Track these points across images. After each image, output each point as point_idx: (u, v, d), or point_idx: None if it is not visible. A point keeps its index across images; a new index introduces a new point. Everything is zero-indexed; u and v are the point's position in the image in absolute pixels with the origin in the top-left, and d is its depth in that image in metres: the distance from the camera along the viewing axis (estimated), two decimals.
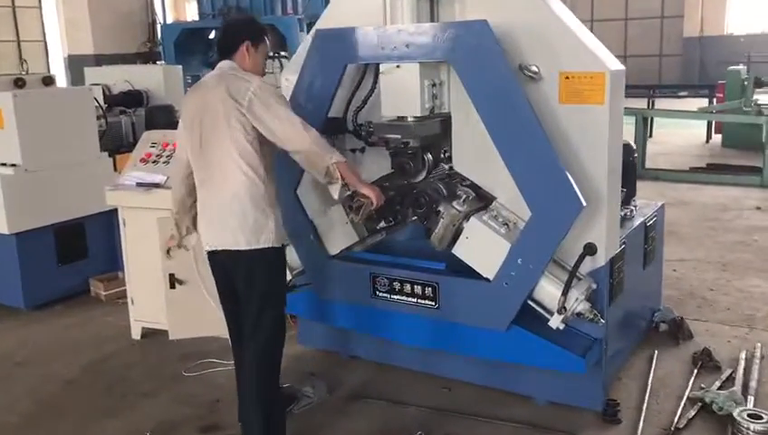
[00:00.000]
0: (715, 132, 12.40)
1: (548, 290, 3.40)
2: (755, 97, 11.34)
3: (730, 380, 3.93)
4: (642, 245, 4.26)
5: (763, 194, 8.53)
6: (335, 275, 3.98)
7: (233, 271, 3.21)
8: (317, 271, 4.05)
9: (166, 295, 4.40)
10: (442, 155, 3.84)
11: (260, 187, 3.10)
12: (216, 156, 3.11)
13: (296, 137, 3.06)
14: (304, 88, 3.80)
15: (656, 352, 4.32)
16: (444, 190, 3.68)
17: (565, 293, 3.30)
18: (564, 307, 3.31)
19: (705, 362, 4.11)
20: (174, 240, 3.61)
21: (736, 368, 4.03)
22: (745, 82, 11.69)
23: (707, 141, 12.51)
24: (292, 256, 4.12)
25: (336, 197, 3.22)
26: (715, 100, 13.76)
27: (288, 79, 4.09)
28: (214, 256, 3.26)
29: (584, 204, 3.21)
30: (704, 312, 5.00)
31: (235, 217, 3.09)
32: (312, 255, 4.03)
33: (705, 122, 12.55)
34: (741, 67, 12.96)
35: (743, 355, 4.18)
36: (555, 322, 3.37)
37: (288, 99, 3.89)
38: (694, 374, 4.00)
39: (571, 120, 3.34)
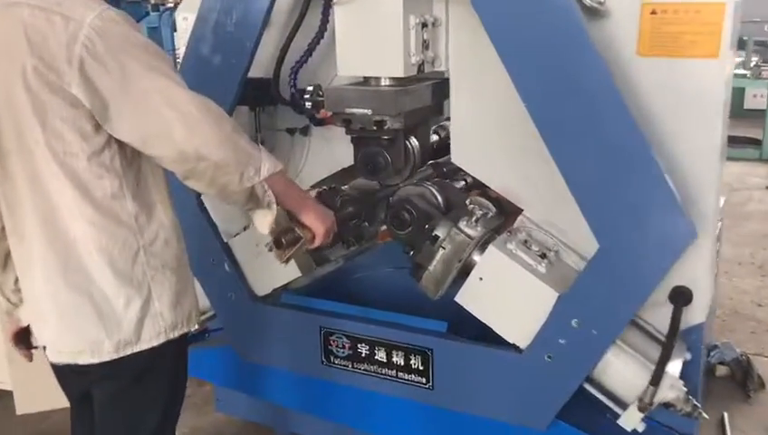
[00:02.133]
0: None
1: (620, 369, 2.05)
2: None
3: None
4: None
5: None
6: (266, 327, 2.56)
7: (91, 391, 1.79)
8: (236, 320, 2.62)
9: (8, 354, 2.90)
10: (435, 140, 2.45)
11: (127, 237, 1.65)
12: (27, 190, 1.62)
13: (186, 132, 1.56)
14: (208, 31, 2.32)
15: (725, 414, 3.06)
16: (440, 200, 2.28)
17: (657, 379, 1.95)
18: (651, 401, 1.98)
19: None
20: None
21: None
22: None
23: None
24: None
25: (266, 231, 1.78)
26: None
27: (186, 18, 2.63)
28: (59, 370, 1.81)
29: (696, 234, 1.87)
30: (763, 339, 3.77)
31: (80, 302, 1.64)
32: (227, 295, 2.59)
33: None
34: None
35: None
36: (631, 420, 2.03)
37: (183, 52, 2.44)
38: None
39: (657, 87, 1.95)
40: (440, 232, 2.12)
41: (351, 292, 2.64)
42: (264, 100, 2.53)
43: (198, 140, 1.55)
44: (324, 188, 2.40)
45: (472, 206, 2.11)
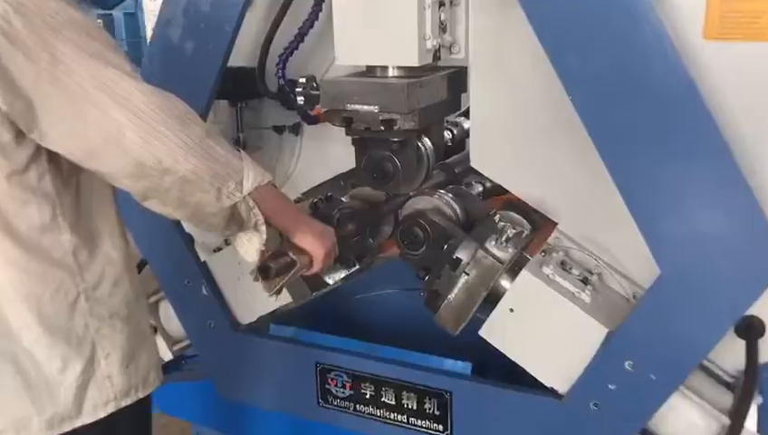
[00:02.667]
0: None
1: (683, 421, 1.70)
2: None
3: None
4: None
5: None
6: (251, 360, 2.18)
7: None
8: (217, 352, 2.23)
9: None
10: (448, 139, 2.09)
11: (63, 280, 1.28)
12: None
13: (141, 137, 1.19)
14: (179, 11, 1.93)
15: None
16: (459, 213, 1.91)
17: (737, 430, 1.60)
18: None
19: None
20: None
21: None
22: None
23: None
24: (170, 322, 2.32)
25: (255, 258, 1.41)
26: None
27: None
28: None
29: None
30: None
31: (0, 369, 1.28)
32: (205, 323, 2.21)
33: None
34: None
35: None
36: None
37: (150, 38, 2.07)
38: None
39: (729, 78, 1.58)
40: (463, 254, 1.74)
41: (349, 316, 2.27)
42: (247, 93, 2.17)
43: (159, 146, 1.18)
44: (320, 198, 2.02)
45: (502, 223, 1.74)
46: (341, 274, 2.06)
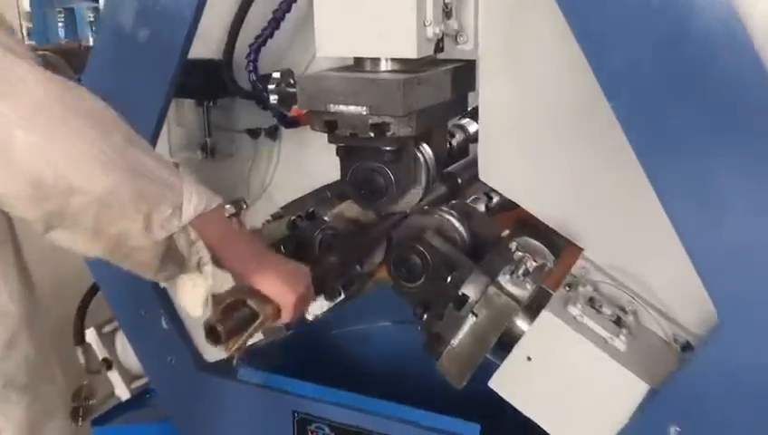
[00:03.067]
0: None
1: None
2: None
3: None
4: None
5: None
6: (217, 404, 1.86)
7: None
8: (178, 394, 1.91)
9: None
10: (450, 145, 1.77)
11: None
12: None
13: (38, 144, 0.86)
14: None
15: None
16: (465, 236, 1.59)
17: None
18: None
19: None
20: None
21: None
22: None
23: None
24: (128, 355, 2.01)
25: (198, 312, 1.07)
26: None
27: None
28: None
29: None
30: None
31: None
32: (165, 360, 1.88)
33: None
34: None
35: None
36: None
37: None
38: None
39: None
40: (471, 290, 1.42)
41: (332, 355, 1.96)
42: (215, 90, 1.84)
43: (63, 154, 0.85)
44: (299, 215, 1.70)
45: (520, 253, 1.41)
46: (323, 306, 1.74)
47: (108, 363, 2.01)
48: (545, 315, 1.41)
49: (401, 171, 1.50)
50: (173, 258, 1.00)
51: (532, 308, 1.45)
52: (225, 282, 1.08)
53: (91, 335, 2.00)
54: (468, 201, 1.76)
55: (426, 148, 1.58)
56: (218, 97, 1.88)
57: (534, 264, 1.38)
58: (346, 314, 1.97)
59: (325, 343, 2.03)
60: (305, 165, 1.87)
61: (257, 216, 1.85)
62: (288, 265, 1.21)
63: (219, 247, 1.04)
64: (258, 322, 1.14)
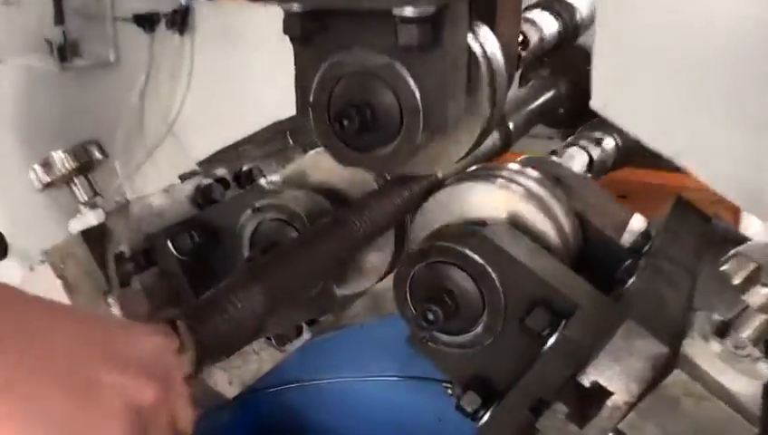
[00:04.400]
0: None
1: None
2: None
3: None
4: None
5: None
6: None
7: None
8: None
9: None
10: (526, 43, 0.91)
11: None
12: None
13: None
14: None
15: None
16: (571, 240, 0.72)
17: None
18: None
19: None
20: None
21: None
22: None
23: None
24: None
25: None
26: None
27: None
28: None
29: None
30: None
31: None
32: None
33: None
34: None
35: None
36: None
37: None
38: None
39: None
40: (612, 378, 0.55)
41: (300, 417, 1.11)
42: None
43: None
44: (219, 178, 0.84)
45: (743, 272, 0.54)
46: (273, 356, 0.88)
47: None
48: None
49: (433, 74, 0.63)
50: None
51: None
52: None
53: None
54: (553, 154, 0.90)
55: (486, 31, 0.71)
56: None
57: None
58: (321, 362, 1.11)
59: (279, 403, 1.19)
60: (236, 84, 1.00)
61: (149, 180, 1.00)
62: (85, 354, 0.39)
63: None
64: None
